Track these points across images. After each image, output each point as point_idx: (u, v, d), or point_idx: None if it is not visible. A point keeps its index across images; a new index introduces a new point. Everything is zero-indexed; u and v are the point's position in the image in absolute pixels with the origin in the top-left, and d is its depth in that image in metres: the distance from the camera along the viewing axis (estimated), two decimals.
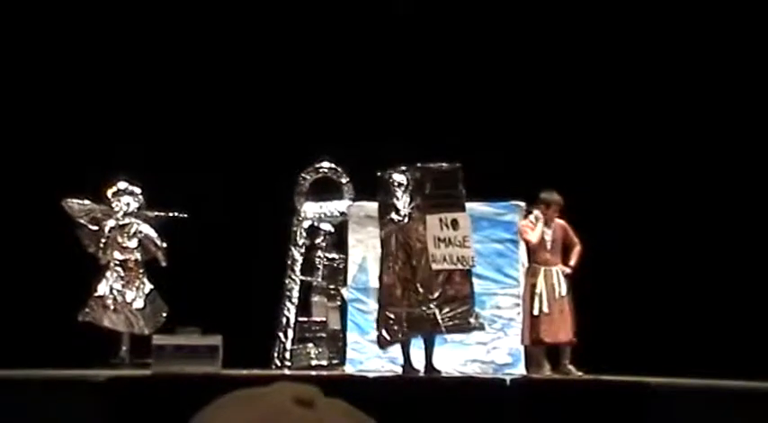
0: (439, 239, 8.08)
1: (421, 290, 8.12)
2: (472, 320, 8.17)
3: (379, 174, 8.48)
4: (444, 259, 8.06)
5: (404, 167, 8.39)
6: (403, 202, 8.29)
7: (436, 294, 8.10)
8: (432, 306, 8.08)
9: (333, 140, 9.84)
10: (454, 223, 8.12)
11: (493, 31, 10.08)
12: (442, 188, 8.30)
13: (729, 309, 9.02)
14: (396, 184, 8.31)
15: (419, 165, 8.40)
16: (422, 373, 8.15)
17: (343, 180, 9.88)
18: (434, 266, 8.05)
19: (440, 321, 8.07)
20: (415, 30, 10.12)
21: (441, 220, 8.11)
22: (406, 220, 8.25)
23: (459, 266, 8.09)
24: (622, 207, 9.51)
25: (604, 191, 9.43)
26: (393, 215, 8.29)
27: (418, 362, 8.35)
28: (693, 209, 9.45)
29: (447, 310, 8.10)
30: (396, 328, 8.18)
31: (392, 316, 8.18)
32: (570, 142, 9.72)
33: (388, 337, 8.26)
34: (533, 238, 8.56)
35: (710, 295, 9.12)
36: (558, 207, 8.57)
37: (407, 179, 8.31)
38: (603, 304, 8.81)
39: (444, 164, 8.39)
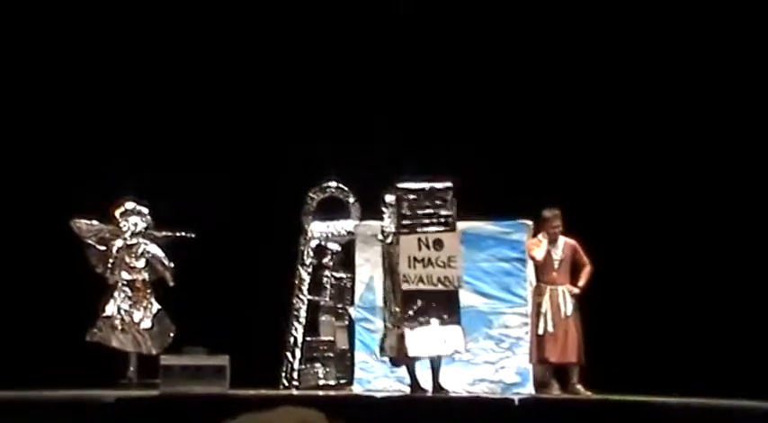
0: (415, 259, 7.99)
1: (396, 309, 8.10)
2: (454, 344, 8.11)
3: (383, 195, 8.49)
4: (421, 280, 7.97)
5: (397, 186, 8.35)
6: (389, 221, 8.29)
7: (409, 313, 8.02)
8: (401, 326, 8.02)
9: (340, 159, 9.86)
10: (437, 243, 8.05)
11: (502, 45, 10.08)
12: (430, 208, 8.21)
13: (738, 329, 8.99)
14: (384, 203, 8.33)
15: (405, 185, 8.30)
16: (429, 393, 8.13)
17: (350, 199, 9.90)
18: (405, 286, 7.98)
19: (406, 344, 7.98)
20: (425, 45, 10.13)
21: (419, 240, 8.02)
22: (389, 239, 8.27)
23: (440, 287, 8.01)
24: (631, 227, 9.50)
25: (615, 210, 9.43)
26: (380, 235, 8.34)
27: (426, 381, 8.34)
28: (701, 232, 9.43)
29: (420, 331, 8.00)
30: (399, 347, 8.18)
31: (393, 335, 8.21)
32: (580, 161, 9.71)
33: (396, 356, 8.27)
34: (538, 255, 8.56)
35: (719, 315, 9.10)
36: (555, 223, 8.53)
37: (398, 199, 8.26)
38: (612, 324, 8.79)
39: (435, 183, 8.31)
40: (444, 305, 8.12)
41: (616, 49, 9.88)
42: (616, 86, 9.87)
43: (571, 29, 10.04)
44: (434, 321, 8.06)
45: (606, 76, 9.91)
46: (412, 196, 8.24)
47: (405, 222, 8.16)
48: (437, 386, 8.17)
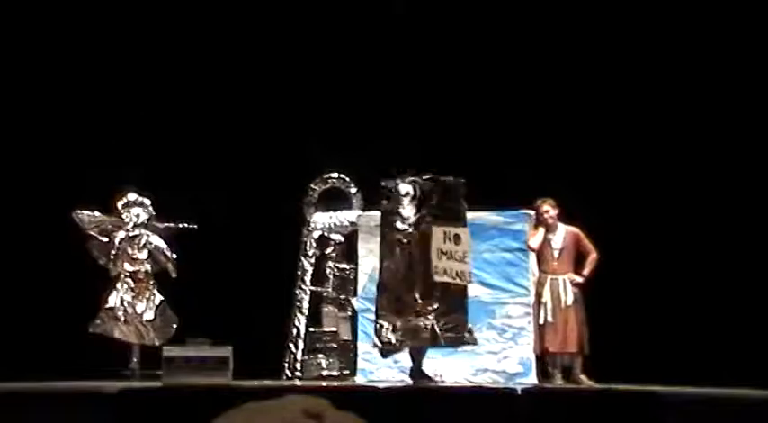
0: (441, 252, 8.13)
1: (420, 300, 8.17)
2: (467, 335, 8.24)
3: (383, 183, 8.51)
4: (445, 272, 8.12)
5: (412, 178, 8.42)
6: (408, 211, 8.31)
7: (435, 305, 8.15)
8: (430, 317, 8.13)
9: (341, 150, 9.86)
10: (456, 238, 8.19)
11: (502, 35, 10.09)
12: (447, 201, 8.35)
13: (741, 318, 9.00)
14: (403, 193, 8.34)
15: (427, 176, 8.43)
16: (410, 381, 8.21)
17: (353, 190, 9.90)
18: (436, 278, 8.09)
19: (438, 333, 8.14)
20: (425, 37, 10.14)
21: (445, 233, 8.17)
22: (411, 230, 8.28)
23: (458, 281, 8.16)
24: (634, 217, 9.50)
25: (618, 200, 9.43)
26: (398, 225, 8.32)
27: (430, 370, 8.39)
28: (705, 221, 9.43)
29: (443, 322, 8.16)
30: (390, 337, 8.24)
31: (387, 325, 8.23)
32: (584, 150, 9.72)
33: (381, 346, 8.33)
34: (533, 244, 8.59)
35: (722, 304, 9.10)
36: (542, 209, 8.53)
37: (415, 189, 8.33)
38: (615, 313, 8.79)
39: (450, 177, 8.44)
40: (456, 300, 8.20)
41: (617, 37, 9.87)
42: (621, 74, 9.87)
43: (572, 18, 10.03)
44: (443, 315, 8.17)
45: (611, 64, 9.90)
46: (433, 188, 8.33)
47: (436, 214, 8.25)
48: (417, 373, 8.23)
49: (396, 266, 8.26)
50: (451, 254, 8.14)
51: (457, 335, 8.20)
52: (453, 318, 8.19)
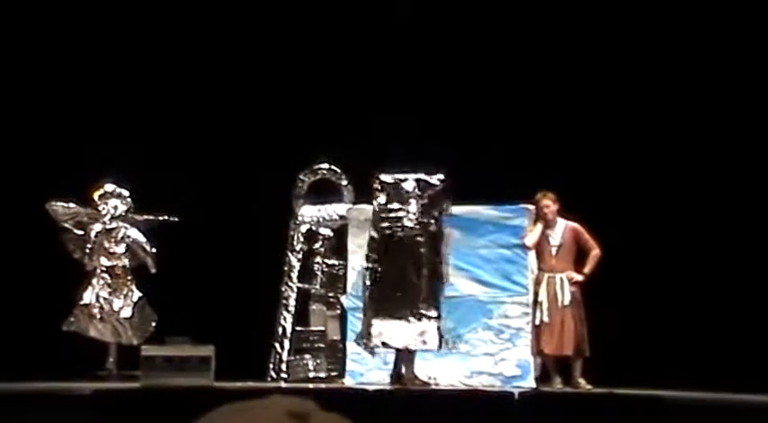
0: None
1: (410, 302, 8.27)
2: (446, 337, 8.37)
3: (379, 176, 8.54)
4: None
5: (411, 175, 8.49)
6: (413, 208, 8.38)
7: (430, 309, 8.29)
8: (421, 320, 8.28)
9: (332, 141, 9.87)
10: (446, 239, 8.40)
11: (498, 30, 10.14)
12: (439, 201, 8.45)
13: (744, 322, 9.06)
14: (403, 190, 8.40)
15: (421, 176, 8.51)
16: (390, 383, 8.32)
17: (343, 182, 9.90)
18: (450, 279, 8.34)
19: (417, 335, 8.26)
20: (418, 30, 10.17)
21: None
22: (417, 229, 8.36)
23: (435, 281, 8.35)
24: (637, 217, 9.54)
25: (622, 200, 9.47)
26: (397, 222, 8.37)
27: (422, 373, 8.46)
28: (708, 223, 9.49)
29: (423, 324, 8.28)
30: (376, 336, 8.33)
31: (374, 324, 8.27)
32: (586, 146, 9.76)
33: (366, 345, 8.45)
34: (528, 241, 8.62)
35: (725, 309, 9.17)
36: (543, 204, 8.56)
37: (414, 187, 8.41)
38: (616, 316, 8.84)
39: (438, 176, 8.52)
40: (431, 298, 8.29)
41: (615, 33, 9.93)
42: (621, 70, 9.92)
43: (573, 13, 10.08)
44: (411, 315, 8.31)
45: (610, 59, 9.95)
46: (433, 188, 8.44)
47: (431, 213, 8.37)
48: (397, 376, 8.31)
49: (387, 265, 8.31)
50: None
51: (436, 339, 8.33)
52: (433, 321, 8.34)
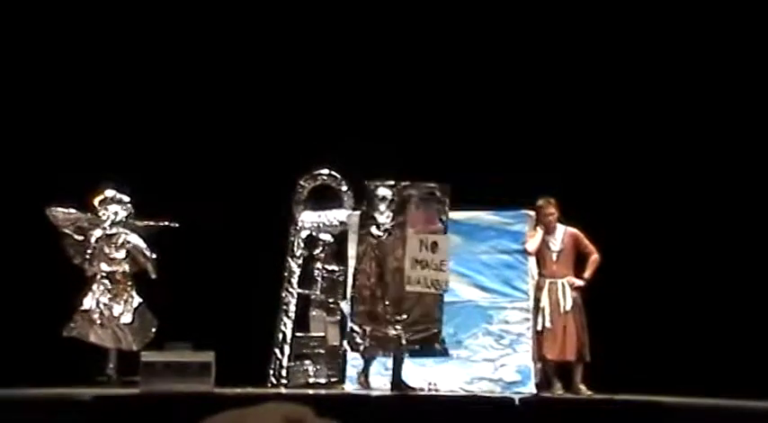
0: (416, 261, 8.26)
1: (390, 309, 8.30)
2: (437, 346, 8.38)
3: (366, 183, 8.63)
4: (418, 282, 8.25)
5: (392, 182, 8.53)
6: (385, 216, 8.43)
7: (404, 316, 8.28)
8: (398, 327, 8.28)
9: (332, 146, 9.90)
10: (434, 245, 8.31)
11: (499, 36, 10.16)
12: (427, 208, 8.44)
13: (744, 328, 9.08)
14: (379, 197, 8.46)
15: (406, 182, 8.53)
16: (390, 390, 8.34)
17: (343, 188, 9.93)
18: (408, 288, 8.25)
19: (403, 343, 8.28)
20: (419, 35, 10.19)
21: (421, 241, 8.28)
22: (386, 236, 8.40)
23: (432, 290, 8.28)
24: (637, 223, 9.57)
25: (621, 206, 9.49)
26: (373, 229, 8.44)
27: (422, 378, 8.53)
28: (709, 229, 9.51)
29: (412, 332, 8.30)
30: (359, 342, 8.39)
31: (357, 329, 8.35)
32: (586, 150, 9.79)
33: (350, 350, 8.54)
34: (530, 247, 8.65)
35: (725, 314, 9.19)
36: (547, 211, 8.60)
37: (393, 194, 8.44)
38: (616, 322, 8.86)
39: (432, 183, 8.53)
40: (430, 309, 8.31)
41: (615, 35, 9.95)
42: (620, 73, 9.95)
43: (571, 16, 10.10)
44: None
45: (610, 61, 9.97)
46: (413, 194, 8.42)
47: (413, 221, 8.37)
48: (398, 383, 8.35)
49: (368, 273, 8.39)
50: (427, 263, 8.27)
51: (426, 345, 8.33)
52: (425, 328, 8.33)
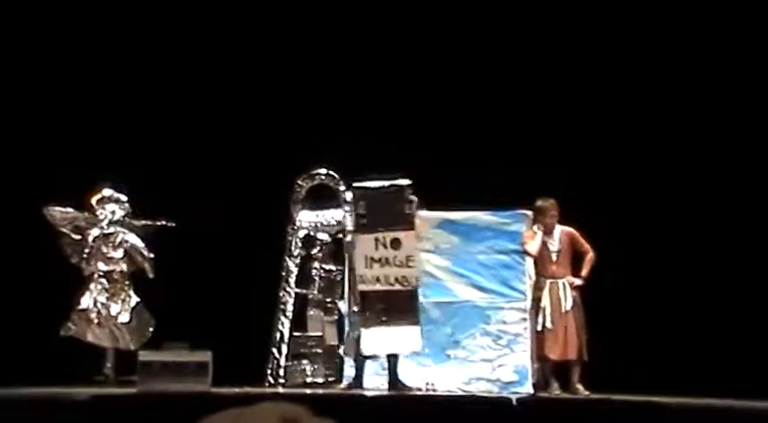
0: (372, 259, 8.29)
1: (355, 308, 8.38)
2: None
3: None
4: (378, 280, 8.26)
5: (355, 185, 8.58)
6: (348, 219, 8.53)
7: (367, 313, 8.33)
8: (358, 325, 8.38)
9: (330, 146, 9.91)
10: (395, 242, 8.33)
11: (494, 33, 10.18)
12: (383, 207, 8.46)
13: (742, 328, 9.10)
14: (343, 200, 8.57)
15: (362, 184, 8.60)
16: (386, 389, 8.39)
17: (341, 188, 9.94)
18: (361, 287, 8.30)
19: (361, 343, 8.33)
20: (417, 35, 10.21)
21: (376, 239, 8.32)
22: (348, 238, 8.52)
23: (398, 287, 8.28)
24: (634, 223, 9.59)
25: (618, 205, 9.51)
26: (348, 237, 8.59)
27: (420, 378, 8.59)
28: (707, 230, 9.54)
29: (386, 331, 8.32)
30: (345, 344, 8.65)
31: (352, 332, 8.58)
32: (582, 150, 9.81)
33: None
34: (531, 249, 8.64)
35: (724, 314, 9.21)
36: (551, 213, 8.62)
37: (353, 196, 8.53)
38: (614, 322, 8.88)
39: (390, 182, 8.55)
40: (402, 305, 8.34)
41: (615, 35, 9.97)
42: (618, 72, 9.97)
43: (570, 15, 10.12)
44: (391, 321, 8.33)
45: (608, 61, 9.99)
46: (369, 194, 8.50)
47: (362, 222, 8.43)
48: (394, 382, 8.38)
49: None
50: (387, 260, 8.28)
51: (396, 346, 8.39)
52: (399, 326, 8.33)
